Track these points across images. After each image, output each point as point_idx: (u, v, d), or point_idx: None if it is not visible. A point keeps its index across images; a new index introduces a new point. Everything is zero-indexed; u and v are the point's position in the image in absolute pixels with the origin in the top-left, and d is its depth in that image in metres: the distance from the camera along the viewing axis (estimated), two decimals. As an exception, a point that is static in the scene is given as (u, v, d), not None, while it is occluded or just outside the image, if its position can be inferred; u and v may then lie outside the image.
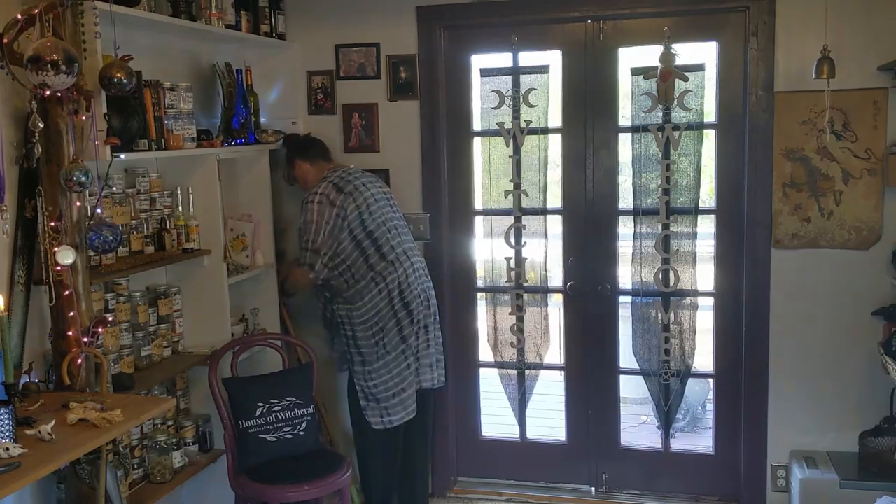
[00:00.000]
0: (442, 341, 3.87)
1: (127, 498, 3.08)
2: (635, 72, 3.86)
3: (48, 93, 2.55)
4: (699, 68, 3.79)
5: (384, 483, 3.76)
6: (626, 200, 4.05)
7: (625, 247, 4.07)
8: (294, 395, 3.55)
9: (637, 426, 5.01)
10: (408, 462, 3.84)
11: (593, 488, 4.22)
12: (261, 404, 3.47)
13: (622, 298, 4.12)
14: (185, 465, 3.48)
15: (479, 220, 4.23)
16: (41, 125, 2.59)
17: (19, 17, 2.57)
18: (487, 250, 4.23)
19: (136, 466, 3.32)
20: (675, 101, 3.78)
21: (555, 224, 4.13)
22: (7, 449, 2.18)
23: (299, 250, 3.65)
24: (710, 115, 3.89)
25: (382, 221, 3.66)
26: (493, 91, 4.03)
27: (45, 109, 2.62)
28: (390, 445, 3.71)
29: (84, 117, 2.69)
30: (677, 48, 3.72)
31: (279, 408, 3.50)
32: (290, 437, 3.50)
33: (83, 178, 2.62)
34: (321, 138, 4.06)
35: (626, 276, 4.07)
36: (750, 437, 3.91)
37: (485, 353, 4.34)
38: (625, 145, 3.98)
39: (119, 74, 2.72)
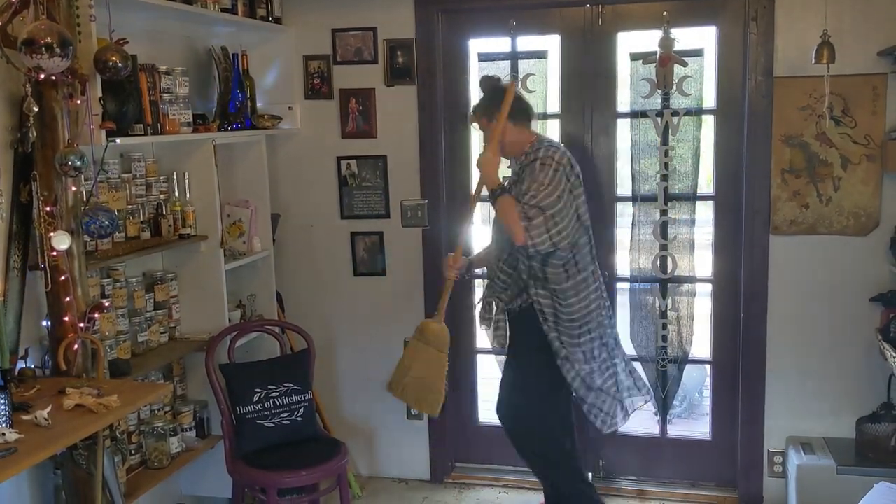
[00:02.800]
0: None
1: (124, 483, 3.08)
2: (634, 57, 3.84)
3: (43, 76, 2.53)
4: (698, 53, 3.78)
5: (572, 463, 3.52)
6: (624, 187, 4.03)
7: (623, 233, 4.06)
8: (291, 381, 3.54)
9: (634, 412, 5.01)
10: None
11: (590, 474, 4.20)
12: (258, 390, 3.46)
13: (620, 285, 4.12)
14: (182, 450, 3.48)
15: (477, 207, 4.20)
16: (36, 109, 2.56)
17: (13, -1, 2.54)
18: (486, 237, 4.20)
19: (133, 452, 3.31)
20: (674, 87, 3.76)
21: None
22: (3, 434, 2.18)
23: (525, 206, 3.11)
24: (709, 100, 3.88)
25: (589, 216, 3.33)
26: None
27: (39, 93, 2.60)
28: (564, 425, 3.50)
29: (79, 101, 2.67)
30: (676, 33, 3.70)
31: (276, 394, 3.50)
32: (287, 422, 3.49)
33: (78, 163, 2.60)
34: (321, 123, 4.03)
35: (623, 262, 4.07)
36: (747, 423, 3.92)
37: (482, 339, 4.33)
38: (623, 131, 3.97)
39: (114, 58, 2.71)
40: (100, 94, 2.79)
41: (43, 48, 2.43)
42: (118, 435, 3.17)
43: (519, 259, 3.28)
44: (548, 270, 3.22)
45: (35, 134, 2.61)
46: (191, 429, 3.59)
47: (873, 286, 3.65)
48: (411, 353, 3.50)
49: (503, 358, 4.21)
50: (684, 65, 3.74)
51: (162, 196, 3.46)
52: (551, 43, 4.00)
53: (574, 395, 3.38)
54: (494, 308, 3.53)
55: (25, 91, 2.56)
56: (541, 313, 3.27)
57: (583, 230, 3.26)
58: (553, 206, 3.11)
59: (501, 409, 3.61)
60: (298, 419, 3.52)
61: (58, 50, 2.45)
